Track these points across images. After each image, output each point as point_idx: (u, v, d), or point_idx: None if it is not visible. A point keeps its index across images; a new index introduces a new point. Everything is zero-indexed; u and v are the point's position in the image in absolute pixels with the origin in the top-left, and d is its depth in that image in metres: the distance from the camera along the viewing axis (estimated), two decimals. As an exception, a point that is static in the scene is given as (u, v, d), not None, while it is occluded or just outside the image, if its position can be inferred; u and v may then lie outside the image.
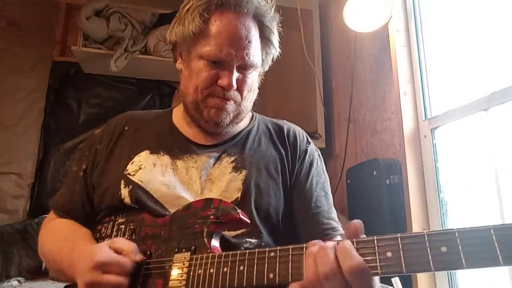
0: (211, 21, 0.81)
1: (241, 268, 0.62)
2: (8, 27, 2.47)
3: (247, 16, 0.83)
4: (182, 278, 0.68)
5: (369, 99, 2.03)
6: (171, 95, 2.69)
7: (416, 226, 1.58)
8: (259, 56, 0.87)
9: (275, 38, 0.89)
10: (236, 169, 0.86)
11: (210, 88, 0.83)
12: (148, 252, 0.75)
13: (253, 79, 0.88)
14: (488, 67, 1.43)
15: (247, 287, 0.61)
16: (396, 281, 1.53)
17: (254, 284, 0.60)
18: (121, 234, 0.81)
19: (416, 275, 1.53)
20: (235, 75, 0.83)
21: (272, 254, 0.60)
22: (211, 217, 0.73)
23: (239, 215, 0.72)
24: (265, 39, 0.87)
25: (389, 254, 0.50)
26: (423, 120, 1.69)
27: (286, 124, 0.99)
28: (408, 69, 1.78)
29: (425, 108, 1.71)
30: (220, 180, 0.84)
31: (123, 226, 0.82)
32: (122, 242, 0.72)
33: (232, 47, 0.81)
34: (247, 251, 0.63)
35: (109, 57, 2.28)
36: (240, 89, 0.85)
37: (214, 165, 0.86)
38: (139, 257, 0.71)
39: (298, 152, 0.93)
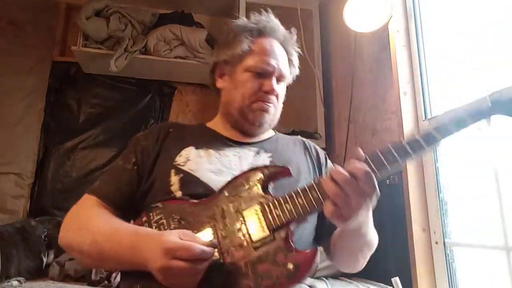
0: (256, 42, 1.03)
1: (315, 195, 0.75)
2: (8, 27, 2.46)
3: (278, 41, 1.06)
4: (261, 225, 0.77)
5: (369, 99, 2.03)
6: (171, 95, 2.68)
7: (416, 226, 1.58)
8: (288, 72, 1.07)
9: (296, 61, 1.10)
10: (272, 162, 0.98)
11: (255, 95, 1.00)
12: (214, 228, 0.80)
13: (284, 90, 1.08)
14: (488, 67, 1.43)
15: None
16: (396, 281, 1.53)
17: None
18: (164, 228, 0.82)
19: (416, 276, 1.53)
20: (275, 82, 1.01)
21: None
22: (261, 176, 0.84)
23: (283, 167, 0.86)
24: (289, 61, 1.08)
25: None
26: (423, 120, 1.69)
27: (303, 139, 1.15)
28: (408, 69, 1.78)
29: (425, 108, 1.71)
30: None
31: (164, 221, 0.83)
32: (191, 233, 0.76)
33: (273, 61, 1.01)
34: (312, 182, 0.76)
35: (109, 57, 2.28)
36: (277, 95, 1.03)
37: (254, 157, 0.99)
38: (208, 240, 0.74)
39: (321, 159, 1.09)
